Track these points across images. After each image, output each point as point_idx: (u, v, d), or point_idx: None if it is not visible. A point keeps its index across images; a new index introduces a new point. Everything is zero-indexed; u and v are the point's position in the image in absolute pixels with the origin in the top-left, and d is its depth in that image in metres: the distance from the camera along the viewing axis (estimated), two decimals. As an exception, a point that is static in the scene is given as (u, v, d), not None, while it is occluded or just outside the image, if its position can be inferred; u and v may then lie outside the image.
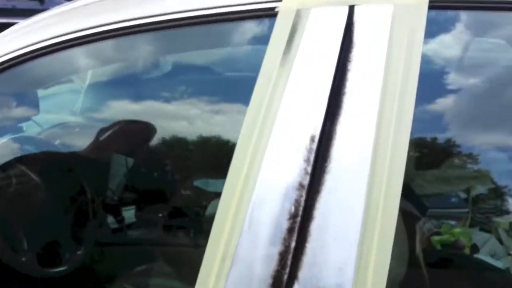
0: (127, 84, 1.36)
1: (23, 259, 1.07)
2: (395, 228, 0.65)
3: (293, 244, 0.65)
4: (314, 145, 0.66)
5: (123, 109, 1.37)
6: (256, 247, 0.66)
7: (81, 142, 1.41)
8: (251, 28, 0.82)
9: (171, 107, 1.31)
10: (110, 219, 1.26)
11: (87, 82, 1.48)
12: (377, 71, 0.67)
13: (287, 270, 0.65)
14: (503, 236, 1.16)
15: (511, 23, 0.88)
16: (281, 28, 0.72)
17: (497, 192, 1.20)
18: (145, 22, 0.81)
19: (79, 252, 1.14)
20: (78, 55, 0.98)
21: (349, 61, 0.68)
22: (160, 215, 1.23)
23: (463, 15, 0.80)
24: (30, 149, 1.33)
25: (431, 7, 0.68)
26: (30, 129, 1.40)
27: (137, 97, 1.37)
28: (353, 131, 0.66)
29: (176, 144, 1.31)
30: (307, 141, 0.67)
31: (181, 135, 1.31)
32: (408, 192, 1.10)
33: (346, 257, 0.64)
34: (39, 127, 1.43)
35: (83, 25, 0.86)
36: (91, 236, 1.20)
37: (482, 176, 1.22)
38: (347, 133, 0.66)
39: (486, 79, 1.29)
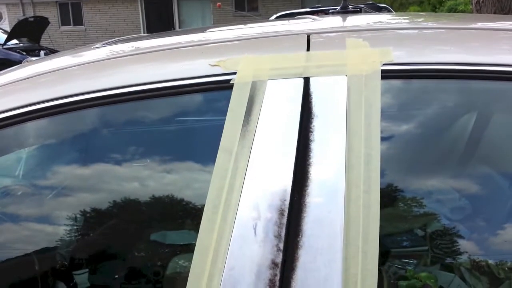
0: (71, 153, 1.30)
1: None
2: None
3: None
4: (284, 220, 0.64)
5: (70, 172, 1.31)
6: None
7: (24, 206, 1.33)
8: (206, 100, 0.81)
9: (121, 170, 1.27)
10: (61, 285, 1.17)
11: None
12: (340, 139, 0.67)
13: None
14: (466, 275, 1.18)
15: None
16: (238, 100, 0.71)
17: (452, 228, 1.22)
18: (100, 96, 0.77)
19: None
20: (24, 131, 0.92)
21: (311, 132, 0.68)
22: (116, 276, 1.15)
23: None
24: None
25: (383, 77, 0.70)
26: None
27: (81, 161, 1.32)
28: (322, 201, 0.65)
29: (130, 204, 1.26)
30: (276, 215, 0.65)
31: (133, 196, 1.26)
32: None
33: None
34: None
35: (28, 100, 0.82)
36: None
37: (435, 213, 1.25)
38: (317, 205, 0.65)
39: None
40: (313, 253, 0.64)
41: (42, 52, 11.80)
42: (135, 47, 0.92)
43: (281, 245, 0.64)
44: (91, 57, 0.91)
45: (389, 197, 1.13)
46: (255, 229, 0.65)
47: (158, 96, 0.76)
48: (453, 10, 14.44)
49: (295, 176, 0.66)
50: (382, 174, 0.67)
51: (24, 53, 11.25)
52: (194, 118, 0.92)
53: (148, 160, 1.16)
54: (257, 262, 0.63)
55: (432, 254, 1.23)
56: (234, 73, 0.74)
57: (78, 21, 16.74)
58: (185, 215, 1.16)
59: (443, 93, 0.89)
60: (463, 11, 12.95)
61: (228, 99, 0.72)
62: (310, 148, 0.67)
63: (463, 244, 1.21)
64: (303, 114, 0.69)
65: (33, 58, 11.16)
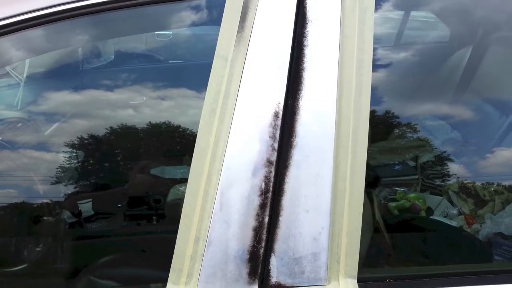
0: (67, 73, 1.31)
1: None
2: (363, 195, 0.68)
3: (266, 219, 0.66)
4: (279, 121, 0.67)
5: (65, 100, 1.32)
6: (229, 226, 0.66)
7: (24, 137, 1.35)
8: (199, 7, 0.81)
9: (116, 96, 1.28)
10: (67, 213, 1.22)
11: (24, 75, 1.41)
12: (333, 44, 0.69)
13: (263, 244, 0.66)
14: (454, 197, 1.23)
15: None
16: (232, 6, 0.72)
17: (442, 158, 1.27)
18: (82, 5, 0.76)
19: (38, 249, 1.10)
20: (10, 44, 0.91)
21: (305, 37, 0.69)
22: (119, 205, 1.20)
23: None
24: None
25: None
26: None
27: (79, 87, 1.33)
28: (315, 105, 0.68)
29: (127, 133, 1.28)
30: (271, 118, 0.67)
31: (129, 123, 1.28)
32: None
33: (319, 227, 0.66)
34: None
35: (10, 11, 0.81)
36: (50, 231, 1.16)
37: (427, 144, 1.29)
38: (310, 107, 0.68)
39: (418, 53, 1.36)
40: (306, 152, 0.67)
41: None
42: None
43: (276, 145, 0.67)
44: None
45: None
46: (250, 130, 0.67)
47: (154, 3, 0.76)
48: None
49: (289, 80, 0.68)
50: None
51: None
52: (185, 30, 0.92)
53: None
54: (253, 161, 0.67)
55: (422, 183, 1.28)
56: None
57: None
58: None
59: None
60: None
61: (222, 6, 0.72)
62: (303, 53, 0.69)
63: (452, 169, 1.26)
64: (297, 20, 0.70)
65: None
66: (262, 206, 0.66)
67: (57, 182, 1.24)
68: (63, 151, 1.27)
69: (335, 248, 0.66)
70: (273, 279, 0.67)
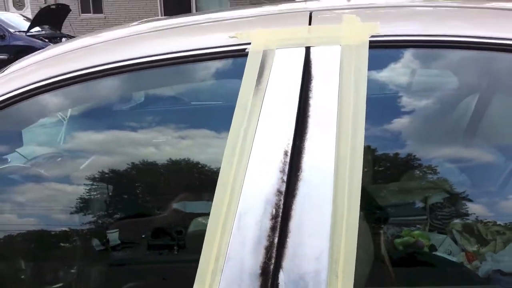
0: (104, 118, 1.48)
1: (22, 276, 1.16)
2: (358, 223, 0.80)
3: (276, 240, 0.79)
4: (288, 159, 0.81)
5: (100, 140, 1.48)
6: (245, 245, 0.79)
7: (62, 170, 1.51)
8: (227, 65, 0.98)
9: (146, 137, 1.43)
10: (96, 241, 1.35)
11: (68, 116, 1.58)
12: (333, 98, 0.84)
13: (273, 261, 0.79)
14: (457, 236, 1.32)
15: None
16: (252, 65, 0.88)
17: (452, 200, 1.36)
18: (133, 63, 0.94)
19: (73, 271, 1.23)
20: (59, 96, 1.10)
21: (310, 90, 0.85)
22: (143, 236, 1.32)
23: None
24: (18, 177, 1.43)
25: (371, 47, 0.86)
26: (15, 160, 1.49)
27: (113, 128, 1.49)
28: (318, 146, 0.82)
29: (156, 171, 1.43)
30: (281, 156, 0.82)
31: (158, 162, 1.42)
32: (372, 203, 1.26)
33: (321, 249, 0.79)
34: (24, 159, 1.52)
35: (61, 70, 0.99)
36: (83, 257, 1.29)
37: (437, 186, 1.39)
38: (314, 148, 0.82)
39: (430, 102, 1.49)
40: (310, 185, 0.81)
41: (64, 40, 12.07)
42: (164, 24, 1.10)
43: (285, 178, 0.81)
44: (131, 31, 1.09)
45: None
46: (264, 166, 0.82)
47: (185, 63, 0.93)
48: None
49: (297, 124, 0.83)
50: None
51: (46, 40, 11.53)
52: (214, 81, 1.09)
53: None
54: (266, 191, 0.81)
55: (430, 223, 1.37)
56: (249, 44, 0.90)
57: (98, 9, 16.97)
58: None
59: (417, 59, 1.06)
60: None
61: (243, 65, 0.89)
62: (309, 103, 0.84)
63: (458, 210, 1.35)
64: (304, 77, 0.86)
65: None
66: (273, 229, 0.80)
67: (88, 213, 1.39)
68: (95, 184, 1.42)
69: (333, 266, 0.78)
70: (281, 292, 0.79)
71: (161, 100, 1.26)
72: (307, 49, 0.88)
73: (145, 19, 1.40)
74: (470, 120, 1.46)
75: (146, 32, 1.06)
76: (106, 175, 1.40)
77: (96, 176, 1.40)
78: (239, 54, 0.90)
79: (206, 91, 1.18)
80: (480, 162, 1.38)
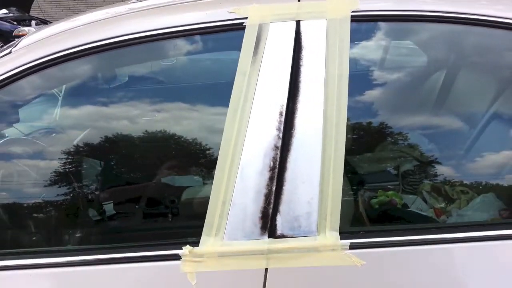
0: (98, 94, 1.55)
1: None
2: (343, 172, 0.94)
3: (274, 188, 0.92)
4: (282, 118, 0.94)
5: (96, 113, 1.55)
6: (247, 192, 0.92)
7: (57, 145, 1.59)
8: (227, 38, 1.10)
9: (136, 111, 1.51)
10: (92, 211, 1.44)
11: (62, 93, 1.65)
12: (320, 65, 0.97)
13: (271, 206, 0.92)
14: (427, 196, 1.48)
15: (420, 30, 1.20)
16: (249, 37, 1.00)
17: (421, 167, 1.52)
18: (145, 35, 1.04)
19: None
20: (56, 72, 1.18)
21: (301, 59, 0.97)
22: (137, 206, 1.42)
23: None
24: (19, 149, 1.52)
25: (352, 20, 0.99)
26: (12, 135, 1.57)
27: (107, 104, 1.57)
28: (308, 107, 0.95)
29: (149, 142, 1.51)
30: (277, 115, 0.95)
31: (155, 134, 1.51)
32: (351, 171, 1.41)
33: (312, 194, 0.93)
34: (20, 133, 1.60)
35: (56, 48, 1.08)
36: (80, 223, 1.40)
37: (408, 155, 1.53)
38: (304, 108, 0.95)
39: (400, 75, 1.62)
40: (302, 140, 0.94)
41: (33, 22, 11.74)
42: (166, 1, 1.20)
43: (281, 135, 0.94)
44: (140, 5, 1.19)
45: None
46: (262, 124, 0.95)
47: (190, 35, 1.05)
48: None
49: (290, 89, 0.96)
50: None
51: (14, 23, 11.23)
52: (215, 53, 1.20)
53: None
54: (265, 146, 0.94)
55: (402, 188, 1.52)
56: (246, 18, 1.02)
57: (67, -11, 16.51)
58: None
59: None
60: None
61: (241, 37, 1.00)
62: (300, 70, 0.97)
63: (428, 175, 1.51)
64: (295, 47, 0.98)
65: (25, 28, 11.12)
66: (271, 179, 0.93)
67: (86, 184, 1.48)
68: (89, 156, 1.50)
69: (323, 209, 0.92)
70: (279, 232, 0.92)
71: (165, 71, 1.35)
72: (298, 23, 1.00)
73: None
74: (439, 91, 1.61)
75: (157, 7, 1.16)
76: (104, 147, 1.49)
77: (93, 148, 1.49)
78: (237, 28, 1.01)
79: (208, 62, 1.29)
80: (446, 130, 1.53)
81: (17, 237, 1.31)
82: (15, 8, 11.98)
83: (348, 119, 0.98)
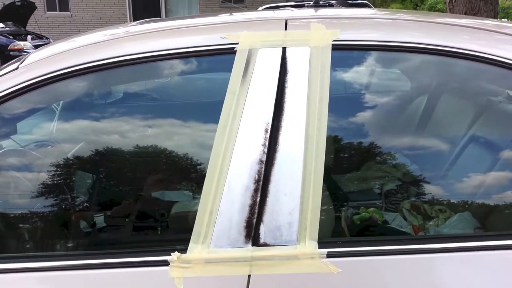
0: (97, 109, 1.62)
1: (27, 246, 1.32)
2: (322, 186, 1.02)
3: (258, 199, 1.00)
4: (268, 135, 1.03)
5: (93, 129, 1.62)
6: (233, 203, 1.00)
7: (53, 157, 1.64)
8: (219, 60, 1.19)
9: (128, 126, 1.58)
10: (83, 224, 1.49)
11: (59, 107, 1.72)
12: (303, 88, 1.06)
13: (255, 216, 0.99)
14: (406, 214, 1.56)
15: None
16: (239, 60, 1.09)
17: (402, 186, 1.60)
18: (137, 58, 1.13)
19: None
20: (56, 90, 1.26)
21: (286, 82, 1.06)
22: (127, 220, 1.47)
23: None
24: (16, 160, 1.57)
25: (333, 49, 1.09)
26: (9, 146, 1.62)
27: (104, 119, 1.64)
28: (291, 125, 1.04)
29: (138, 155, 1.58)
30: (263, 132, 1.03)
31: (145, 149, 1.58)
32: (336, 189, 1.49)
33: (293, 206, 1.00)
34: (17, 145, 1.66)
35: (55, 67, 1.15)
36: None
37: (392, 175, 1.61)
38: (288, 127, 1.04)
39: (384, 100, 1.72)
40: (284, 155, 1.02)
41: (29, 37, 11.85)
42: (166, 25, 1.29)
43: (266, 150, 1.02)
44: (137, 30, 1.28)
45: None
46: (249, 140, 1.03)
47: (185, 57, 1.14)
48: (433, 8, 15.01)
49: (275, 107, 1.04)
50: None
51: (10, 37, 11.33)
52: (208, 74, 1.30)
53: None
54: (251, 161, 1.02)
55: (385, 207, 1.60)
56: (237, 43, 1.11)
57: (64, 7, 16.68)
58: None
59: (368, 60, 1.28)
60: (441, 10, 13.47)
61: (232, 60, 1.09)
62: (285, 92, 1.06)
63: (409, 194, 1.58)
64: (281, 71, 1.08)
65: (20, 43, 11.22)
66: (256, 190, 1.00)
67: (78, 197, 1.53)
68: (82, 169, 1.56)
69: (303, 220, 0.99)
70: (262, 240, 1.00)
71: (161, 90, 1.44)
72: (284, 49, 1.10)
73: (147, 19, 1.58)
74: (420, 116, 1.70)
75: (156, 31, 1.25)
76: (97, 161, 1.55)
77: (85, 161, 1.55)
78: (229, 52, 1.11)
79: (201, 81, 1.38)
80: (427, 153, 1.61)
81: (9, 244, 1.36)
82: (11, 22, 12.11)
83: (335, 141, 1.06)
